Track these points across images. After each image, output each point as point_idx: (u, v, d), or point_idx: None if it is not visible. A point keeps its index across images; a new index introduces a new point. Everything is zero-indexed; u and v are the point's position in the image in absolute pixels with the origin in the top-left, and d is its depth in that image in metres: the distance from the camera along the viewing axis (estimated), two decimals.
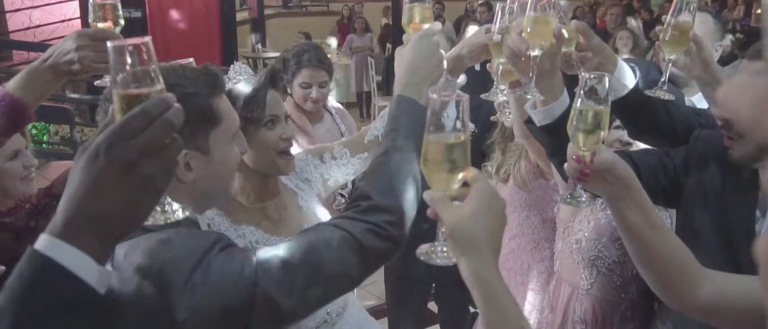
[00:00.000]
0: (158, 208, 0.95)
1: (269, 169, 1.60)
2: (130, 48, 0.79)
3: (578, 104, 1.14)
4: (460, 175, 0.92)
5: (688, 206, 1.60)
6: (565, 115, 1.37)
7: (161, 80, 0.82)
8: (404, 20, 1.37)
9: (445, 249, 0.98)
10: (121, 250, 1.03)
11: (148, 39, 0.82)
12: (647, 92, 1.53)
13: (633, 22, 6.70)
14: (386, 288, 3.07)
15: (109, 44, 0.80)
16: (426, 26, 1.36)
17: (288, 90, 2.70)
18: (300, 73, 2.65)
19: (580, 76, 1.44)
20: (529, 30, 1.31)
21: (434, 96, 0.91)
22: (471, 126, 2.85)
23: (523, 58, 1.35)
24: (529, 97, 1.40)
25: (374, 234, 1.11)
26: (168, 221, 0.97)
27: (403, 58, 1.31)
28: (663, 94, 1.53)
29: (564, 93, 1.42)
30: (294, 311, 1.06)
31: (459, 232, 0.89)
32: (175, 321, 0.96)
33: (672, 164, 1.63)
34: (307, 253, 1.07)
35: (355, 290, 1.83)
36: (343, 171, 1.74)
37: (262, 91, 1.54)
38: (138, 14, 7.12)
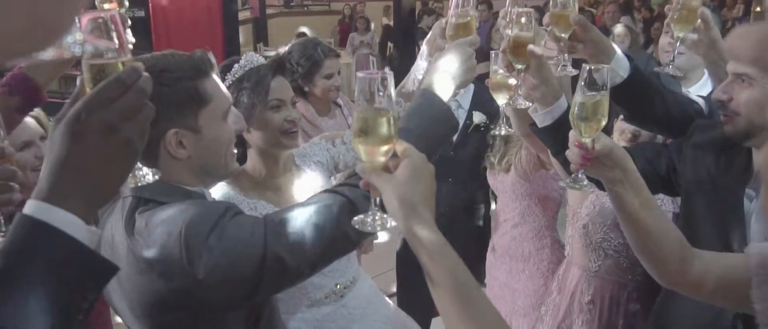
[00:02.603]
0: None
1: (275, 147, 1.72)
2: (100, 21, 0.84)
3: (579, 94, 1.20)
4: (387, 147, 0.97)
5: (685, 191, 1.67)
6: (565, 116, 1.49)
7: (129, 51, 0.88)
8: (449, 32, 1.44)
9: (377, 217, 1.04)
10: (141, 221, 1.14)
11: (115, 12, 0.88)
12: (656, 69, 1.62)
13: (626, 19, 6.73)
14: (397, 275, 3.14)
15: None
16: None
17: (305, 88, 2.75)
18: (323, 66, 2.73)
19: (560, 69, 1.55)
20: (509, 50, 1.45)
21: (360, 74, 0.97)
22: (481, 117, 2.88)
23: (513, 72, 1.50)
24: (517, 106, 1.54)
25: (368, 200, 1.18)
26: (138, 184, 1.06)
27: (436, 60, 1.39)
28: (673, 71, 1.62)
29: (563, 97, 1.52)
30: (299, 270, 1.15)
31: (398, 198, 0.93)
32: (197, 279, 1.07)
33: (668, 153, 1.70)
34: (311, 217, 1.16)
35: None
36: (352, 155, 1.83)
37: (268, 76, 1.66)
38: (141, 13, 7.18)
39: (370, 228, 1.04)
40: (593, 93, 1.19)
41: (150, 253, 1.10)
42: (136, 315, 1.18)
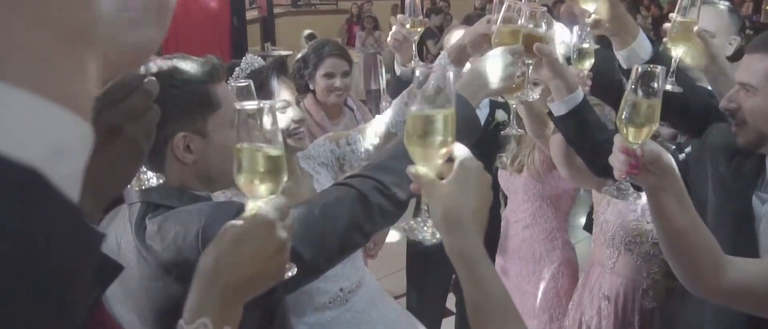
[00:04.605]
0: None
1: None
2: None
3: (630, 96, 1.12)
4: (444, 151, 0.89)
5: (695, 196, 1.64)
6: (581, 105, 1.53)
7: None
8: (494, 38, 1.42)
9: (428, 224, 0.96)
10: (152, 226, 1.12)
11: None
12: None
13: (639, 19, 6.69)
14: (407, 276, 3.11)
15: None
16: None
17: (310, 86, 2.74)
18: (322, 64, 2.69)
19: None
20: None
21: (418, 70, 0.90)
22: (504, 115, 2.88)
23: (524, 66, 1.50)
24: (526, 99, 1.55)
25: (379, 192, 1.18)
26: (142, 187, 1.06)
27: (474, 63, 1.38)
28: (671, 87, 1.58)
29: (579, 89, 1.55)
30: (316, 264, 1.15)
31: (443, 209, 0.87)
32: None
33: (674, 155, 1.68)
34: (323, 210, 1.16)
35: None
36: (357, 156, 1.83)
37: (271, 78, 1.66)
38: None
39: (420, 236, 0.97)
40: (645, 96, 1.11)
41: (166, 257, 1.09)
42: (147, 324, 1.16)
